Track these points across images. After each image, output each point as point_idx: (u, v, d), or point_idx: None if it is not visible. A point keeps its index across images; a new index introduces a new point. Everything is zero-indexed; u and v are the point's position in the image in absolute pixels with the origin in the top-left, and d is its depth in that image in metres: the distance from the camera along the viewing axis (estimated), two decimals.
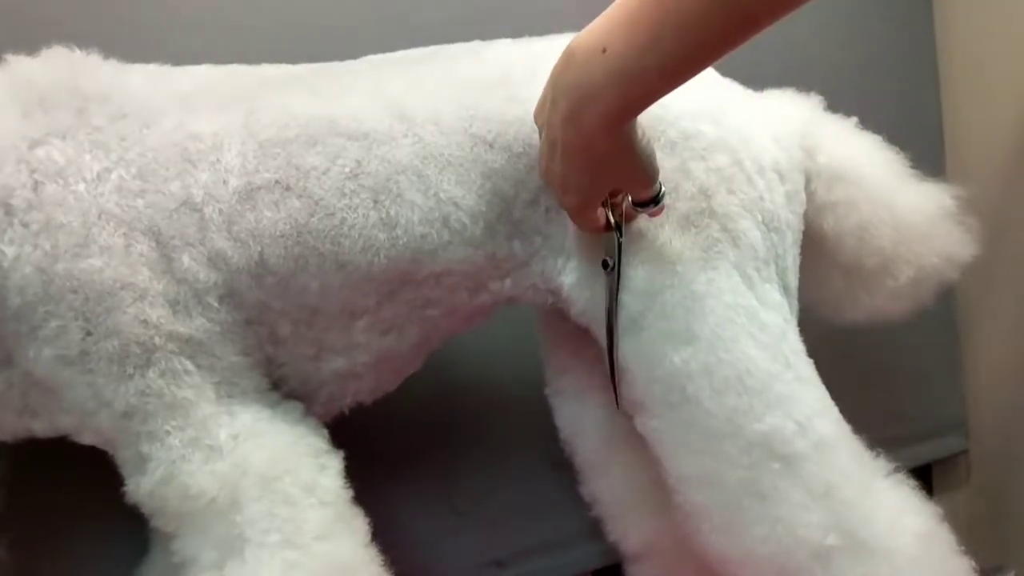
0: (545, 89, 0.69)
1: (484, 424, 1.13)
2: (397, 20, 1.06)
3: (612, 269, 0.77)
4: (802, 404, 0.78)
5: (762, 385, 0.77)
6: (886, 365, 1.34)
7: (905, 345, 1.34)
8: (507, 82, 0.80)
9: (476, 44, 0.85)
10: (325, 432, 0.82)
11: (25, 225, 0.72)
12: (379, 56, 0.86)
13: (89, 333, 0.73)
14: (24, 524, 0.90)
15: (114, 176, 0.74)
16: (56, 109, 0.75)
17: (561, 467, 1.13)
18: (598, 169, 0.70)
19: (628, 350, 0.79)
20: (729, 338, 0.77)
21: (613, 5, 0.64)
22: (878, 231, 0.86)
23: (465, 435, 1.13)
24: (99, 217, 0.73)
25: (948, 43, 1.38)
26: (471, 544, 1.13)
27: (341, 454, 0.81)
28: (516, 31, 0.88)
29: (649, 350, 0.78)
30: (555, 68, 0.68)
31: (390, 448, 1.04)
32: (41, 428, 0.79)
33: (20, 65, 0.77)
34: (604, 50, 0.63)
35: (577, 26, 0.86)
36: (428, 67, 0.83)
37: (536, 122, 0.72)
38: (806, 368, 0.80)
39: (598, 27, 0.64)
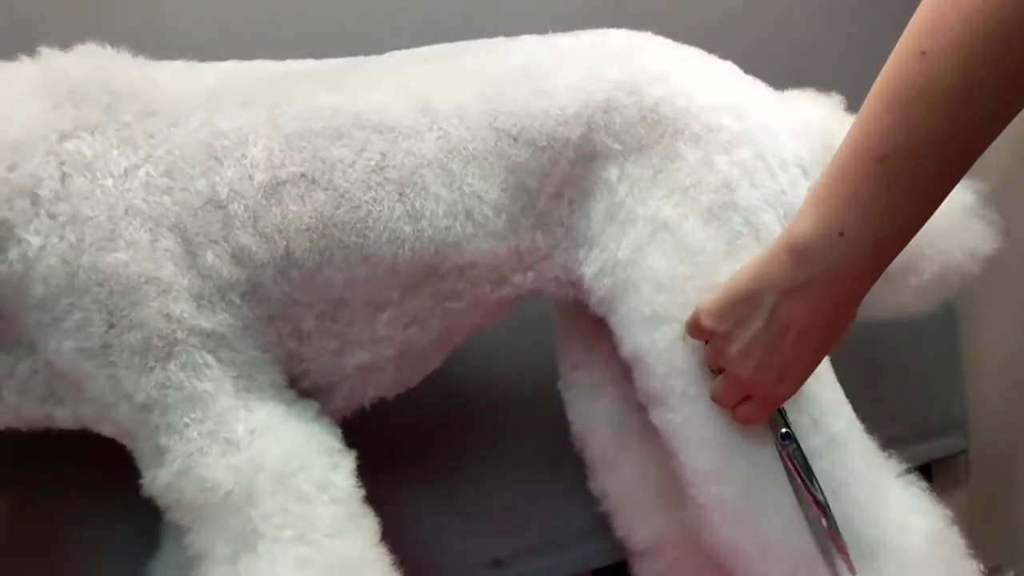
0: (745, 291, 0.71)
1: (485, 424, 1.13)
2: (399, 19, 1.05)
3: (791, 439, 0.77)
4: (816, 400, 0.78)
5: None
6: (886, 365, 1.34)
7: (905, 345, 1.34)
8: (532, 76, 0.81)
9: (501, 39, 0.86)
10: (338, 431, 0.82)
11: (52, 216, 0.72)
12: (404, 51, 0.86)
13: (112, 326, 0.74)
14: (33, 521, 0.90)
15: (142, 173, 0.74)
16: (86, 104, 0.75)
17: (561, 467, 1.13)
18: (833, 343, 0.72)
19: (647, 342, 0.79)
20: None
21: (821, 188, 0.67)
22: None
23: (465, 435, 1.12)
24: (126, 212, 0.73)
25: None
26: (471, 543, 1.13)
27: (353, 453, 0.81)
28: (513, 31, 0.88)
29: (671, 343, 0.78)
30: (770, 268, 0.70)
31: (390, 447, 1.04)
32: (63, 417, 0.79)
33: (53, 58, 0.77)
34: (841, 234, 0.65)
35: (577, 25, 0.88)
36: (453, 61, 0.83)
37: (719, 327, 0.73)
38: (822, 365, 0.79)
39: (822, 214, 0.66)
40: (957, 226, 0.89)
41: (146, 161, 0.75)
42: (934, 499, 0.81)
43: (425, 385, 0.94)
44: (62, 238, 0.72)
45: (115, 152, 0.74)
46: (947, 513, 0.80)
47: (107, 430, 0.80)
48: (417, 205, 0.78)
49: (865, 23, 1.33)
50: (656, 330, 0.78)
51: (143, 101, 0.77)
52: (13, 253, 0.72)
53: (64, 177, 0.73)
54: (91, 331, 0.73)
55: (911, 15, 1.39)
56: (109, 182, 0.73)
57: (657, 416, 0.81)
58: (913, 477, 0.81)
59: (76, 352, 0.74)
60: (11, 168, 0.72)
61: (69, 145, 0.73)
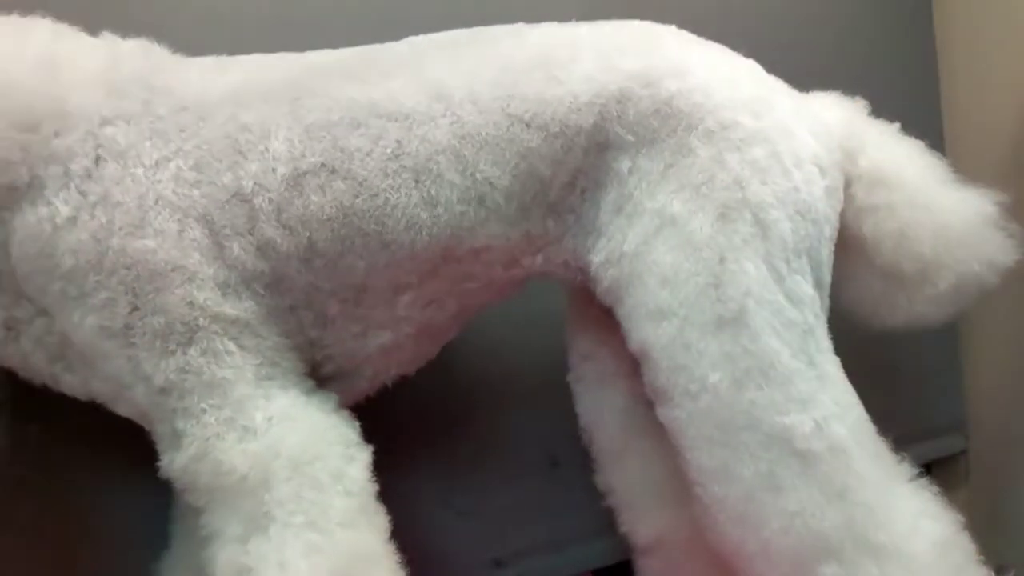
0: None
1: (484, 424, 1.13)
2: (417, 6, 1.05)
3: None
4: (821, 404, 0.78)
5: (783, 380, 0.77)
6: (886, 365, 1.34)
7: (905, 345, 1.34)
8: (548, 63, 0.81)
9: (520, 26, 0.86)
10: (356, 425, 0.82)
11: (82, 193, 0.74)
12: (421, 37, 0.87)
13: (136, 308, 0.75)
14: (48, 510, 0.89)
15: (172, 166, 0.76)
16: (129, 96, 0.78)
17: (560, 467, 1.13)
18: None
19: (652, 337, 0.79)
20: (754, 330, 0.77)
21: None
22: (918, 236, 0.86)
23: (465, 435, 1.12)
24: (156, 202, 0.75)
25: (948, 42, 1.38)
26: (470, 543, 1.13)
27: (371, 448, 0.81)
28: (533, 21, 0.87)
29: (674, 338, 0.78)
30: None
31: (390, 447, 1.03)
32: (71, 383, 0.81)
33: (115, 46, 0.81)
34: None
35: (597, 19, 0.87)
36: (469, 48, 0.84)
37: None
38: (830, 366, 0.80)
39: None
40: (976, 237, 0.88)
41: (176, 155, 0.77)
42: (946, 504, 0.81)
43: (424, 385, 0.94)
44: (93, 216, 0.74)
45: (147, 144, 0.76)
46: (958, 518, 0.80)
47: (123, 410, 0.81)
48: (433, 192, 0.79)
49: (841, 22, 1.33)
50: (659, 325, 0.78)
51: (176, 96, 0.79)
52: (42, 211, 0.74)
53: (98, 159, 0.75)
54: (115, 311, 0.75)
55: (888, 13, 1.39)
56: (140, 171, 0.76)
57: (663, 412, 0.81)
58: (924, 481, 0.81)
59: (98, 329, 0.75)
60: (56, 134, 0.75)
61: (108, 131, 0.76)
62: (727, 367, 0.77)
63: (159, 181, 0.76)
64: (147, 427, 0.81)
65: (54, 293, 0.75)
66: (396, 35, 0.87)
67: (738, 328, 0.77)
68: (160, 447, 0.79)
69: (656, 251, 0.79)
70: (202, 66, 0.83)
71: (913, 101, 1.36)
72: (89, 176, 0.74)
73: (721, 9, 1.22)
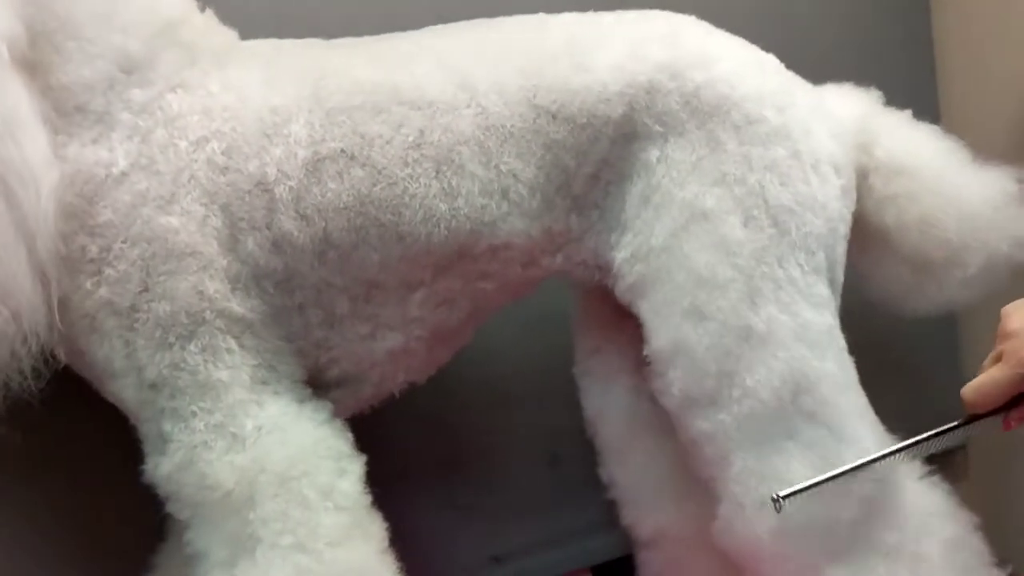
0: None
1: (483, 422, 1.12)
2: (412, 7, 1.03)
3: None
4: (839, 408, 0.78)
5: (811, 385, 0.77)
6: (886, 363, 1.33)
7: (905, 340, 1.34)
8: (573, 52, 0.79)
9: (542, 15, 0.84)
10: (349, 436, 0.80)
11: (140, 152, 0.73)
12: (443, 26, 0.85)
13: (146, 289, 0.73)
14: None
15: (208, 148, 0.75)
16: (196, 66, 0.77)
17: (559, 465, 1.13)
18: None
19: (692, 336, 0.78)
20: (781, 337, 0.77)
21: None
22: (942, 222, 0.85)
23: (464, 433, 1.12)
24: (188, 180, 0.74)
25: (945, 36, 1.38)
26: (470, 540, 1.12)
27: (363, 459, 0.79)
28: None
29: (716, 343, 0.77)
30: None
31: (390, 444, 1.02)
32: None
33: (209, 21, 0.81)
34: None
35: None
36: (493, 36, 0.82)
37: None
38: (849, 368, 0.80)
39: None
40: (1002, 216, 0.87)
41: (214, 136, 0.75)
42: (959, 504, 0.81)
43: (424, 384, 0.92)
44: (139, 179, 0.73)
45: (195, 118, 0.75)
46: (971, 518, 0.79)
47: (108, 396, 0.78)
48: (453, 183, 0.77)
49: (839, 18, 1.32)
50: (699, 325, 0.77)
51: (227, 74, 0.78)
52: (103, 154, 0.73)
53: (156, 122, 0.74)
54: (127, 287, 0.73)
55: (886, 9, 1.38)
56: (183, 144, 0.74)
57: (704, 416, 0.79)
58: (937, 479, 0.81)
59: (104, 303, 0.73)
60: (140, 85, 0.75)
61: (169, 96, 0.75)
62: (764, 376, 0.77)
63: (196, 160, 0.74)
64: (134, 423, 0.78)
65: (75, 248, 0.73)
66: (410, 27, 0.86)
67: (769, 334, 0.77)
68: (146, 449, 0.77)
69: (688, 245, 0.78)
70: (247, 46, 0.82)
71: (910, 95, 1.35)
72: (149, 136, 0.73)
73: (718, 5, 1.21)
